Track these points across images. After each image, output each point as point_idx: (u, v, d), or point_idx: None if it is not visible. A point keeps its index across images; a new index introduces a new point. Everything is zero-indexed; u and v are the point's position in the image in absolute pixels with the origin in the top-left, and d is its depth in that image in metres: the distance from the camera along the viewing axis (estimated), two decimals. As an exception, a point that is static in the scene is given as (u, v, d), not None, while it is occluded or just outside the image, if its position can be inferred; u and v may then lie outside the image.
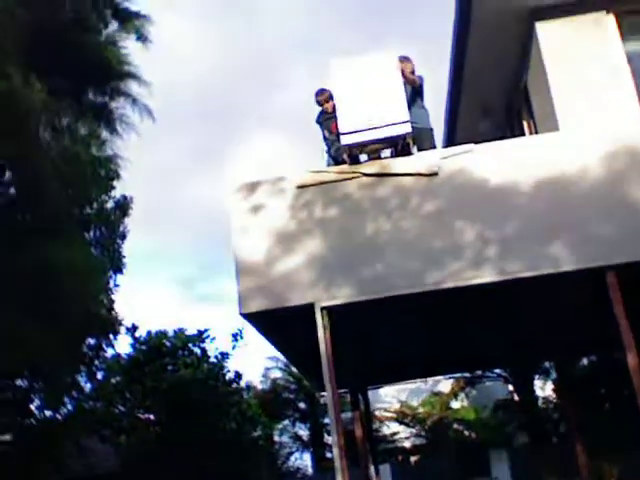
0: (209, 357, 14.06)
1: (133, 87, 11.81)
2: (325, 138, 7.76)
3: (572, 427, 10.96)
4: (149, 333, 13.96)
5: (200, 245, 68.62)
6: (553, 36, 7.43)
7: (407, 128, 6.78)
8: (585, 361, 18.20)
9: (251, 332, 8.31)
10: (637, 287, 6.65)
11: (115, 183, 13.33)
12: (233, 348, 14.20)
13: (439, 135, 10.59)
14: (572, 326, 8.80)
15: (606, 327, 6.61)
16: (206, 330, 14.31)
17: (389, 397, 27.47)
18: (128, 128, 11.71)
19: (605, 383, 16.76)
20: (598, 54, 7.34)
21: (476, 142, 7.09)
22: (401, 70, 7.00)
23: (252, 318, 7.13)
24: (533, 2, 7.42)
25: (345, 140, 6.88)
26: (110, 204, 13.76)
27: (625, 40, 7.40)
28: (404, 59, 7.26)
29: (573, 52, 7.35)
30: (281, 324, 7.35)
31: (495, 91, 9.17)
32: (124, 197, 14.06)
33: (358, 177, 6.97)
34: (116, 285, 13.27)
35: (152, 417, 14.31)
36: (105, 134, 11.58)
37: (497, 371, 23.60)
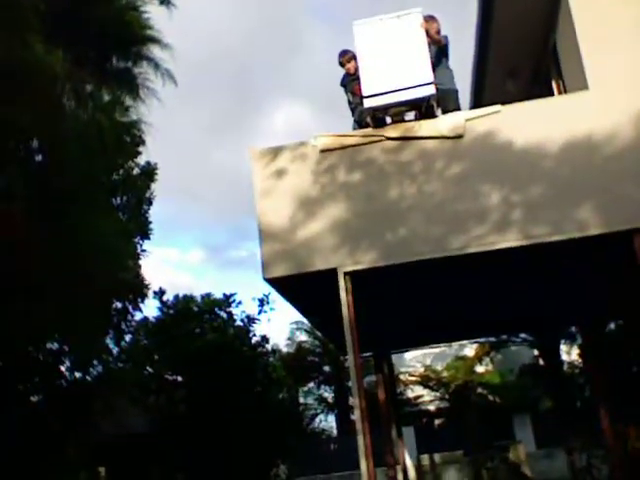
0: (235, 321, 14.22)
1: (155, 51, 11.78)
2: (349, 101, 7.66)
3: (597, 391, 10.95)
4: (176, 297, 14.15)
5: (228, 211, 69.13)
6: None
7: (431, 90, 6.67)
8: (612, 325, 18.06)
9: (277, 297, 8.39)
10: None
11: (140, 149, 13.38)
12: (259, 313, 14.35)
13: (465, 96, 10.41)
14: (598, 290, 8.72)
15: (633, 291, 6.52)
16: (232, 294, 14.45)
17: (414, 361, 27.61)
18: (151, 93, 11.72)
19: (631, 347, 16.63)
20: (628, 12, 7.06)
21: (503, 103, 6.95)
22: (426, 30, 6.85)
23: (275, 283, 7.18)
24: (564, -42, 7.17)
25: (368, 103, 6.79)
26: (136, 170, 13.83)
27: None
28: (429, 18, 7.09)
29: (603, 10, 7.08)
30: (304, 289, 7.39)
31: (523, 51, 8.93)
32: (149, 163, 14.12)
33: (382, 140, 6.89)
34: (143, 250, 13.42)
35: (179, 379, 14.57)
36: (128, 100, 11.60)
37: (523, 335, 23.52)
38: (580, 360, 23.44)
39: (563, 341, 23.63)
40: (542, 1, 7.82)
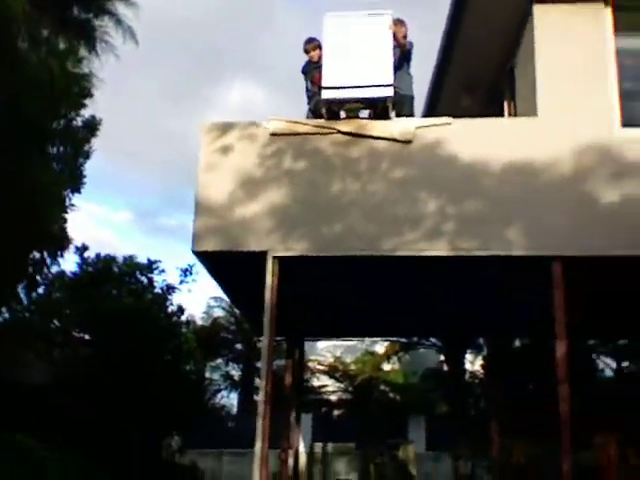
0: (155, 288, 14.03)
1: (120, 7, 11.42)
2: (307, 89, 7.67)
3: (492, 404, 11.41)
4: (98, 256, 13.82)
5: (167, 179, 67.73)
6: (549, 21, 7.39)
7: (389, 92, 6.75)
8: (517, 342, 18.82)
9: (201, 270, 8.33)
10: (579, 281, 6.89)
11: (87, 102, 12.94)
12: (180, 283, 14.21)
13: (420, 104, 10.59)
14: (512, 308, 9.08)
15: (543, 314, 6.85)
16: (156, 261, 14.24)
17: (325, 351, 27.98)
18: (108, 49, 11.35)
19: (531, 368, 17.39)
20: (589, 45, 7.32)
21: (455, 116, 7.12)
22: (393, 33, 6.94)
23: (204, 257, 7.14)
24: (536, -17, 7.37)
25: (326, 94, 6.82)
26: (78, 122, 13.37)
27: (618, 36, 7.41)
28: (398, 22, 7.18)
29: (565, 40, 7.34)
30: (231, 266, 7.39)
31: (483, 68, 9.13)
32: (93, 117, 13.65)
33: (333, 133, 6.94)
34: (72, 204, 13.01)
35: (87, 337, 14.26)
36: (84, 52, 11.21)
37: (432, 340, 24.21)
38: (482, 371, 24.35)
39: (469, 350, 24.48)
40: (508, 26, 8.02)
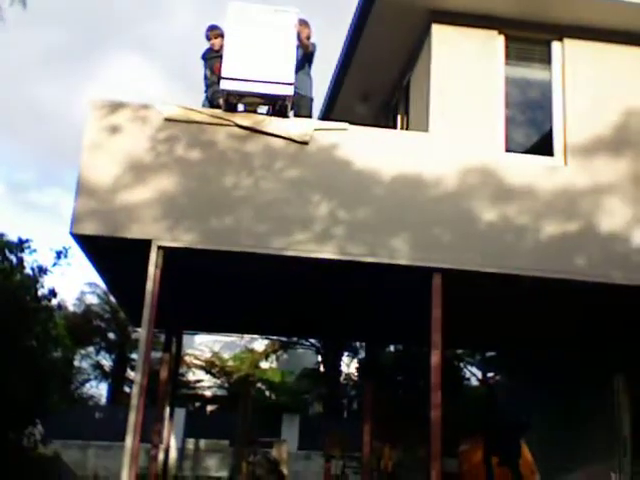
0: (25, 268, 13.20)
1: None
2: (205, 77, 7.48)
3: (365, 407, 11.65)
4: (-37, 230, 12.85)
5: (42, 153, 64.19)
6: (446, 42, 7.65)
7: (290, 90, 6.72)
8: (392, 348, 19.41)
9: (77, 254, 7.93)
10: (457, 293, 7.16)
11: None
12: (53, 265, 13.42)
13: (317, 107, 10.66)
14: (391, 314, 9.31)
15: (421, 322, 7.05)
16: (28, 240, 13.36)
17: (202, 345, 27.61)
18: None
19: (405, 373, 17.99)
20: (481, 69, 7.66)
21: (351, 123, 7.20)
22: (298, 32, 6.90)
23: (83, 240, 6.79)
24: (436, 3, 7.59)
25: (225, 85, 6.68)
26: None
27: (508, 64, 7.79)
28: (303, 23, 7.18)
29: (459, 62, 7.62)
30: (112, 253, 7.07)
31: (380, 80, 9.32)
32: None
33: (230, 126, 6.81)
34: None
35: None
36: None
37: (311, 340, 24.50)
38: (357, 374, 24.93)
39: (346, 353, 25.00)
40: (407, 41, 8.23)
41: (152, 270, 6.50)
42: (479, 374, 22.14)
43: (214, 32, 7.31)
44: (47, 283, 14.10)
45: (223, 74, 6.67)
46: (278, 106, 6.90)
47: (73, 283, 35.81)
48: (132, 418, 6.22)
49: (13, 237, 13.32)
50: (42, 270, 13.47)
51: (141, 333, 6.58)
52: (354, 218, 6.87)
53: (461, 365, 21.42)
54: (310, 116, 7.51)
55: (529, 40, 7.99)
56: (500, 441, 8.84)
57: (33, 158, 64.99)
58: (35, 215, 60.12)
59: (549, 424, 10.94)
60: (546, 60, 7.94)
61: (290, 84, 6.69)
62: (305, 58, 7.37)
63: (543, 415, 11.06)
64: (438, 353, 6.81)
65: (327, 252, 6.74)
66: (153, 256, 6.51)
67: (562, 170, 7.48)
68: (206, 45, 7.47)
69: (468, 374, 22.37)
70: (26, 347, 12.90)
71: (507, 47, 7.82)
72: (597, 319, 8.86)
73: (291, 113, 7.05)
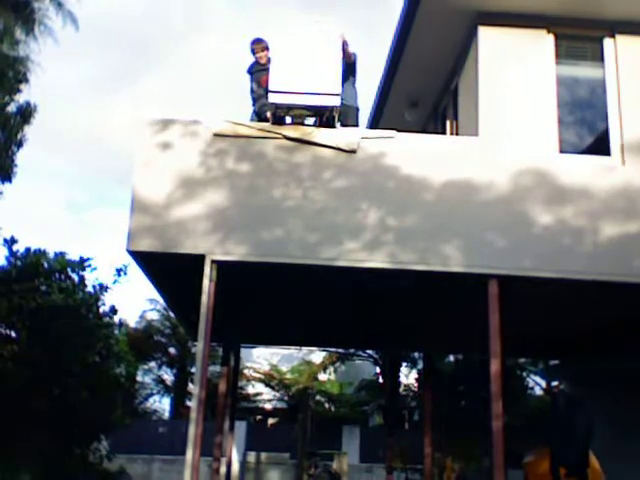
0: (86, 286, 13.59)
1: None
2: (252, 90, 7.57)
3: (426, 418, 11.48)
4: (28, 250, 13.30)
5: (99, 173, 66.37)
6: (493, 44, 7.54)
7: (336, 101, 6.74)
8: (451, 358, 19.09)
9: (136, 270, 8.10)
10: (514, 299, 7.00)
11: (22, 87, 12.44)
12: (114, 282, 13.76)
13: (364, 117, 10.67)
14: (449, 323, 9.17)
15: (479, 331, 6.91)
16: (89, 259, 13.77)
17: (261, 358, 27.80)
18: (47, 32, 10.95)
19: (465, 382, 17.65)
20: (530, 70, 7.51)
21: (399, 130, 7.15)
22: (342, 43, 6.93)
23: (139, 257, 6.92)
24: (481, 5, 7.49)
25: (272, 98, 6.73)
26: (12, 107, 12.84)
27: (558, 63, 7.60)
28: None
29: (508, 63, 7.50)
30: (167, 268, 7.19)
31: (427, 85, 9.25)
32: (28, 103, 13.15)
33: (278, 138, 6.86)
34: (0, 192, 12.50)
35: (13, 334, 13.68)
36: (21, 34, 10.79)
37: (369, 351, 24.34)
38: (416, 385, 24.61)
39: (405, 364, 24.72)
40: (455, 42, 8.14)
41: (207, 284, 6.57)
42: (543, 383, 21.57)
43: (259, 45, 7.39)
44: (108, 300, 14.49)
45: (271, 87, 6.73)
46: (325, 117, 6.92)
47: (135, 300, 36.71)
48: (192, 431, 6.28)
49: (75, 256, 13.76)
50: (103, 288, 13.85)
51: (198, 346, 6.66)
52: (404, 225, 6.80)
53: (524, 374, 20.88)
54: (357, 125, 7.50)
55: (579, 38, 7.79)
56: (567, 451, 8.54)
57: (90, 178, 67.33)
58: (97, 234, 62.06)
59: (612, 434, 10.53)
60: (598, 57, 7.72)
61: (337, 95, 6.70)
62: (348, 69, 7.37)
63: (607, 425, 10.66)
64: (497, 361, 6.65)
65: (378, 261, 6.69)
66: (207, 270, 6.58)
67: (620, 169, 7.24)
68: (251, 59, 7.55)
69: (532, 383, 21.81)
70: (90, 363, 13.26)
71: (557, 46, 7.64)
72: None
73: (338, 124, 7.05)
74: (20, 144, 12.96)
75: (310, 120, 7.15)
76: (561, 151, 7.33)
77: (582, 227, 6.92)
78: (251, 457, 18.59)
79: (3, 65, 10.45)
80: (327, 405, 27.13)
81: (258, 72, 7.41)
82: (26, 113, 13.06)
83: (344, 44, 7.01)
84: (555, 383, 17.25)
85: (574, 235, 6.90)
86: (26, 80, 12.14)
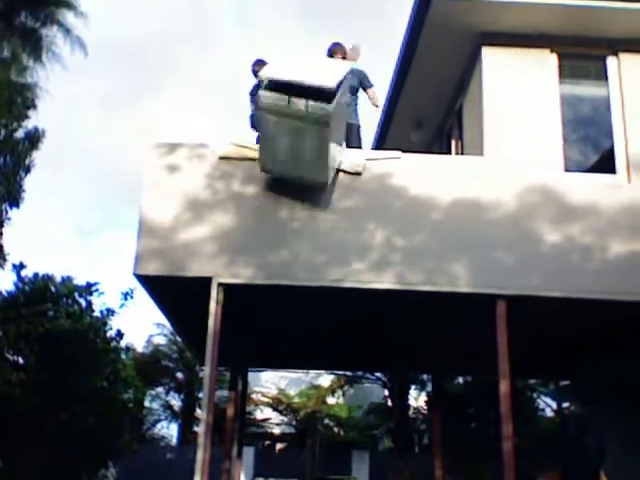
0: (94, 311, 13.63)
1: (69, 17, 11.22)
2: (252, 115, 7.60)
3: (435, 441, 11.33)
4: (36, 275, 13.39)
5: (105, 196, 66.82)
6: (497, 64, 7.58)
7: (332, 83, 6.62)
8: (460, 380, 18.92)
9: (142, 294, 8.10)
10: (522, 319, 6.93)
11: (30, 113, 12.59)
12: (120, 307, 13.81)
13: (369, 134, 10.71)
14: (456, 344, 9.09)
15: (487, 352, 6.84)
16: (96, 283, 13.85)
17: (268, 382, 27.59)
18: (55, 58, 11.09)
19: (475, 404, 17.49)
20: (534, 90, 7.54)
21: (404, 151, 7.17)
22: (344, 52, 7.01)
23: (146, 281, 6.92)
24: (485, 26, 7.55)
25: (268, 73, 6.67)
26: (20, 133, 12.98)
27: (562, 82, 7.64)
28: (339, 46, 7.41)
29: (512, 83, 7.53)
30: (174, 292, 7.18)
31: (432, 106, 9.30)
32: (36, 129, 13.29)
33: (282, 160, 6.87)
34: (8, 218, 12.58)
35: (21, 361, 13.68)
36: (29, 61, 10.93)
37: (377, 374, 24.15)
38: (426, 407, 24.37)
39: (414, 386, 24.50)
40: (459, 63, 8.19)
41: (213, 307, 6.55)
42: (554, 404, 21.33)
43: (260, 66, 7.42)
44: (115, 324, 14.51)
45: (267, 73, 6.64)
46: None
47: (142, 324, 36.66)
48: (200, 456, 6.22)
49: (81, 280, 13.81)
50: (110, 312, 13.87)
51: (205, 370, 6.62)
52: (411, 245, 6.78)
53: (534, 395, 20.66)
54: (360, 143, 7.50)
55: (583, 56, 7.84)
56: (578, 472, 8.41)
57: (97, 201, 67.90)
58: (103, 257, 62.34)
59: (622, 452, 10.36)
60: (602, 76, 7.75)
61: (332, 88, 6.59)
62: (352, 90, 7.39)
63: (618, 443, 10.49)
64: (507, 382, 6.58)
65: (385, 282, 6.65)
66: (214, 293, 6.57)
67: (626, 187, 7.23)
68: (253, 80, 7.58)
69: (542, 404, 21.56)
70: (98, 388, 13.22)
71: (560, 65, 7.67)
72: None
73: (343, 143, 7.06)
74: (28, 169, 13.08)
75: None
76: (566, 169, 7.33)
77: (590, 245, 6.89)
78: (260, 483, 18.41)
79: (11, 92, 10.57)
80: (336, 429, 26.87)
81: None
82: (34, 139, 13.20)
83: (336, 55, 7.08)
84: (566, 405, 17.06)
85: (582, 253, 6.87)
86: (34, 106, 12.28)
